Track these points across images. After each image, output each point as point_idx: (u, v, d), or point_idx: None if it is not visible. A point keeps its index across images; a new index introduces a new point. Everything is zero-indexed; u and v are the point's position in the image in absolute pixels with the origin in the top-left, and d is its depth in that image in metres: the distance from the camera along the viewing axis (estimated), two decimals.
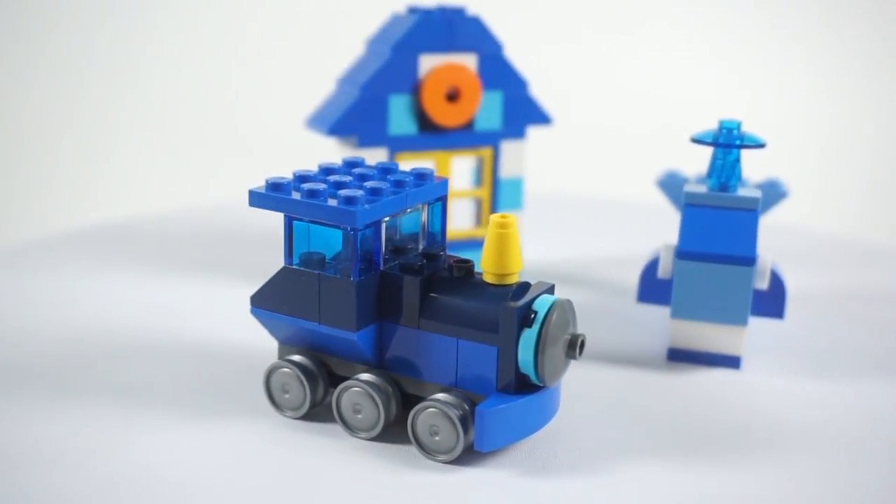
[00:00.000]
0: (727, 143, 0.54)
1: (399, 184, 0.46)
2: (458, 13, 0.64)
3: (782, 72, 1.25)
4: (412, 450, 0.45)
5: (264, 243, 0.73)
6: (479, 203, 0.68)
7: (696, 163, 0.67)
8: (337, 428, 0.47)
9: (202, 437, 0.46)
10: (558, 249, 0.76)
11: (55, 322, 0.59)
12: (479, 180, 0.68)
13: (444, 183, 0.49)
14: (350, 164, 0.49)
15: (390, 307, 0.46)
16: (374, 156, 0.63)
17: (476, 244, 0.66)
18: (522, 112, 0.67)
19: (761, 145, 0.53)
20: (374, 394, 0.45)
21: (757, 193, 0.53)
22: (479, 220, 0.68)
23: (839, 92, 1.22)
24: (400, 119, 0.63)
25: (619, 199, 0.92)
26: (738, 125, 0.54)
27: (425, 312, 0.45)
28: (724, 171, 0.54)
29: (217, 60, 1.28)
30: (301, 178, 0.46)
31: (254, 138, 1.29)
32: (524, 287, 0.44)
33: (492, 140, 0.66)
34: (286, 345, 0.49)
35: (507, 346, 0.43)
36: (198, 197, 1.13)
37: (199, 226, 0.82)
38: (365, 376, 0.46)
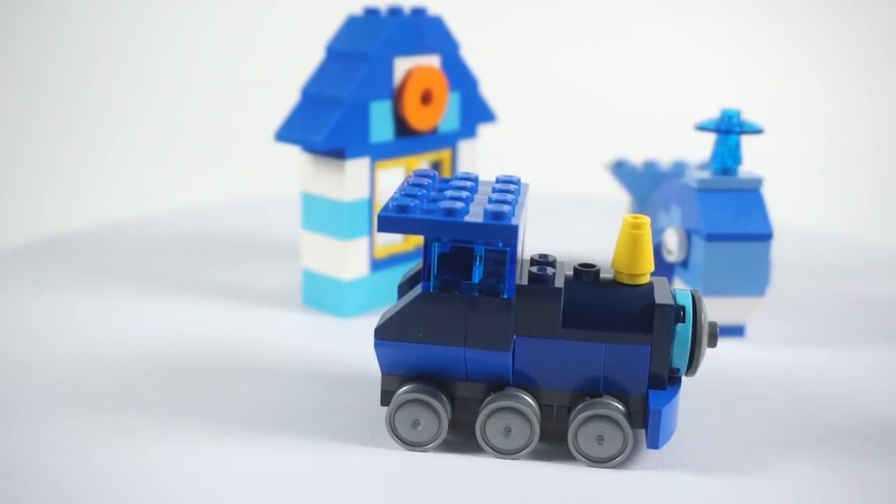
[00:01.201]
0: (728, 129, 0.58)
1: (504, 192, 0.45)
2: (422, 13, 0.62)
3: (776, 69, 1.28)
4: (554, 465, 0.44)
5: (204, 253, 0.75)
6: None
7: (642, 152, 0.71)
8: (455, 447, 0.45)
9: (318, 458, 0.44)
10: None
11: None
12: None
13: (526, 186, 0.48)
14: (421, 176, 0.47)
15: (525, 320, 0.44)
16: (359, 166, 0.59)
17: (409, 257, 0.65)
18: (474, 111, 0.67)
19: (759, 131, 0.58)
20: (527, 412, 0.44)
21: (758, 175, 0.58)
22: None
23: (838, 92, 1.27)
24: (380, 126, 0.60)
25: (560, 193, 0.94)
26: (738, 113, 0.58)
27: (567, 321, 0.44)
28: (726, 155, 0.58)
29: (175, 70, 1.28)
30: (415, 197, 0.43)
31: (201, 147, 1.30)
32: (657, 285, 0.45)
33: (451, 141, 0.65)
34: (398, 374, 0.45)
35: (662, 343, 0.44)
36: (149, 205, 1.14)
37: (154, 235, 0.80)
38: (508, 395, 0.44)
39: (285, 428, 0.47)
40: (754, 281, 0.57)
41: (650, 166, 0.69)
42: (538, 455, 0.45)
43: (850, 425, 0.49)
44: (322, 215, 0.61)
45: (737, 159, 0.58)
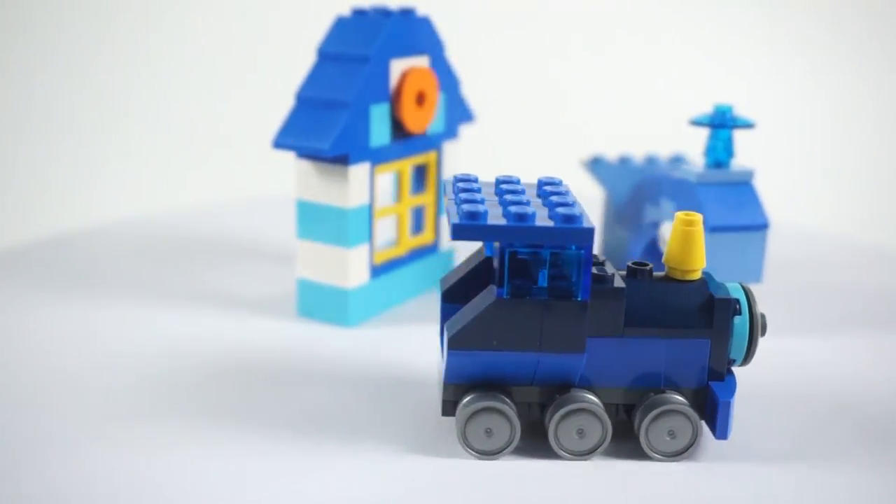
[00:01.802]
0: (721, 124, 0.60)
1: (558, 195, 0.45)
2: (412, 13, 0.61)
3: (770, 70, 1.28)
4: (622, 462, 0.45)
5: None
6: (421, 211, 0.66)
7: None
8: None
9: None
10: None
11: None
12: (421, 187, 0.66)
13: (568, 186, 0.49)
14: (467, 181, 0.46)
15: (591, 321, 0.44)
16: (361, 172, 0.58)
17: (402, 262, 0.64)
18: (457, 111, 0.66)
19: (751, 125, 0.60)
20: (599, 412, 0.44)
21: (750, 168, 0.60)
22: (423, 228, 0.66)
23: (830, 88, 1.27)
24: (378, 130, 0.59)
25: None
26: (731, 109, 0.60)
27: (628, 320, 0.45)
28: (720, 149, 0.60)
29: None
30: (478, 203, 0.43)
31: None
32: (708, 280, 0.46)
33: (437, 142, 0.65)
34: (463, 383, 0.45)
35: (721, 336, 0.45)
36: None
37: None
38: (576, 397, 0.44)
39: (340, 438, 0.46)
40: (752, 269, 0.60)
41: (625, 162, 0.71)
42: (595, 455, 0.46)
43: (852, 403, 0.52)
44: (322, 223, 0.59)
45: (730, 153, 0.60)
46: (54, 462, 0.43)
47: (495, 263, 0.45)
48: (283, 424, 0.47)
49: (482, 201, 0.44)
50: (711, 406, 0.45)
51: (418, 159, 0.63)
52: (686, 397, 0.45)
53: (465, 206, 0.42)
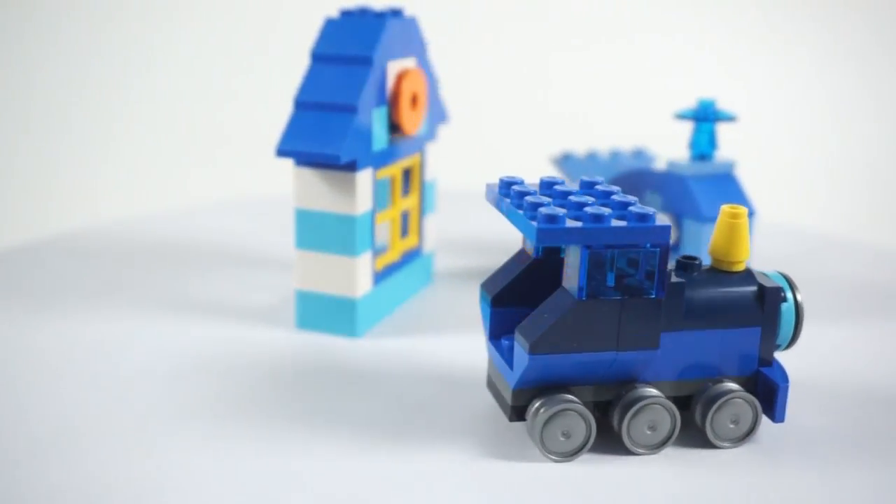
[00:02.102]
0: (704, 117, 0.62)
1: (613, 193, 0.46)
2: (400, 14, 0.60)
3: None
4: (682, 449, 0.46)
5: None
6: (405, 215, 0.65)
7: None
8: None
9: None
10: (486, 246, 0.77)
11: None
12: (406, 190, 0.64)
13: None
14: (520, 184, 0.46)
15: None
16: (367, 177, 0.56)
17: (396, 267, 0.63)
18: (436, 112, 0.65)
19: (733, 119, 0.62)
20: (669, 405, 0.45)
21: (731, 159, 0.63)
22: (407, 231, 0.65)
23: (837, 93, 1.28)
24: (378, 133, 0.57)
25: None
26: (714, 103, 0.62)
27: (687, 313, 0.46)
28: (704, 142, 0.62)
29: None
30: (546, 205, 0.43)
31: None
32: (751, 270, 0.48)
33: (421, 144, 0.64)
34: (532, 387, 0.45)
35: (771, 323, 0.47)
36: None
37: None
38: (645, 393, 0.45)
39: (409, 445, 0.45)
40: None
41: (593, 157, 0.72)
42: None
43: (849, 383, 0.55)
44: (326, 232, 0.57)
45: (713, 145, 0.62)
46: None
47: (567, 264, 0.45)
48: (342, 435, 0.46)
49: (550, 204, 0.43)
50: (767, 391, 0.47)
51: (407, 162, 0.62)
52: (740, 384, 0.47)
53: (544, 210, 0.42)
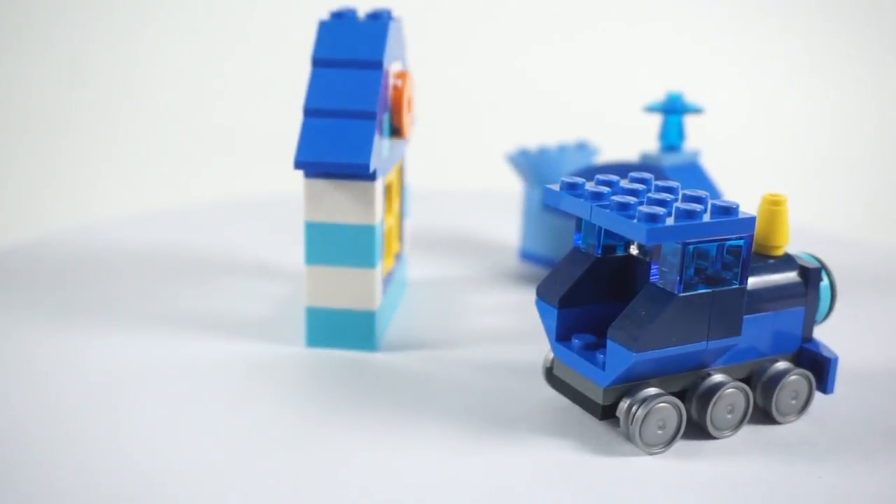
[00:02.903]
0: (673, 109, 0.65)
1: (676, 188, 0.47)
2: (388, 14, 0.58)
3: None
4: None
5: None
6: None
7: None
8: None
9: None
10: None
11: None
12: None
13: None
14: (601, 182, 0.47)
15: None
16: (381, 185, 0.54)
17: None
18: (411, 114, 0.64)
19: (700, 111, 0.65)
20: (745, 388, 0.47)
21: (696, 149, 0.66)
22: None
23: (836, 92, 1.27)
24: (385, 139, 0.55)
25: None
26: (681, 96, 0.65)
27: (750, 298, 0.48)
28: (673, 133, 0.65)
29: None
30: (652, 204, 0.44)
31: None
32: (789, 254, 0.51)
33: (403, 148, 0.62)
34: (627, 382, 0.45)
35: (813, 302, 0.50)
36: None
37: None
38: (719, 378, 0.47)
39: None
40: None
41: (543, 153, 0.73)
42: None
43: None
44: (340, 245, 0.54)
45: (681, 136, 0.65)
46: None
47: (660, 260, 0.45)
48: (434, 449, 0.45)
49: (639, 203, 0.44)
50: (815, 366, 0.50)
51: (398, 166, 0.61)
52: (787, 362, 0.50)
53: (644, 209, 0.42)
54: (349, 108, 0.53)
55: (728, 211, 0.44)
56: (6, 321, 0.59)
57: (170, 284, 0.66)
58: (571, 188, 0.47)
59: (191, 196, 1.24)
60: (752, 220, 0.44)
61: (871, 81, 1.34)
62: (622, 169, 0.66)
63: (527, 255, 0.73)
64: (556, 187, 0.48)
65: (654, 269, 0.45)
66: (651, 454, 0.45)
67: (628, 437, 0.45)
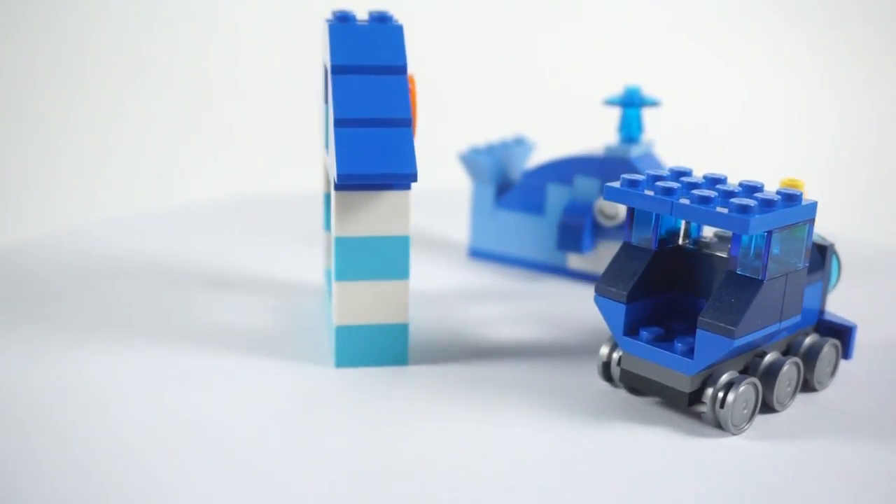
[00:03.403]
0: (631, 103, 0.67)
1: (722, 180, 0.49)
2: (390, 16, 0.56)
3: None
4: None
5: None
6: None
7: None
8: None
9: None
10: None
11: None
12: None
13: None
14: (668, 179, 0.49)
15: None
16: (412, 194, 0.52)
17: None
18: None
19: (656, 104, 0.68)
20: (799, 361, 0.50)
21: (650, 140, 0.69)
22: None
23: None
24: None
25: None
26: (639, 89, 0.67)
27: None
28: (633, 126, 0.67)
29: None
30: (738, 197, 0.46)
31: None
32: None
33: None
34: (709, 368, 0.47)
35: (826, 276, 0.54)
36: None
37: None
38: (777, 355, 0.50)
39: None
40: None
41: (490, 150, 0.73)
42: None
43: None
44: (374, 259, 0.52)
45: (640, 128, 0.68)
46: None
47: (742, 249, 0.47)
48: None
49: (719, 197, 0.46)
50: (836, 334, 0.54)
51: None
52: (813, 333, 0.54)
53: (737, 201, 0.45)
54: (383, 117, 0.51)
55: (793, 198, 0.47)
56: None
57: (164, 295, 0.63)
58: (634, 185, 0.49)
59: (177, 197, 1.23)
60: (814, 205, 0.48)
61: (865, 76, 1.38)
62: (590, 162, 0.68)
63: (476, 253, 0.74)
64: (616, 185, 0.49)
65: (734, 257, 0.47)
66: (738, 434, 0.48)
67: (717, 422, 0.47)
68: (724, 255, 0.50)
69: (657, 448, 0.46)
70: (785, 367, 0.49)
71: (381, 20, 0.54)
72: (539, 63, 1.34)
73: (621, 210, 0.67)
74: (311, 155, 0.93)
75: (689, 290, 0.51)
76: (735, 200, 0.45)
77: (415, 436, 0.47)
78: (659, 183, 0.48)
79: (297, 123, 1.21)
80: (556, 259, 0.70)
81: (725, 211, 0.45)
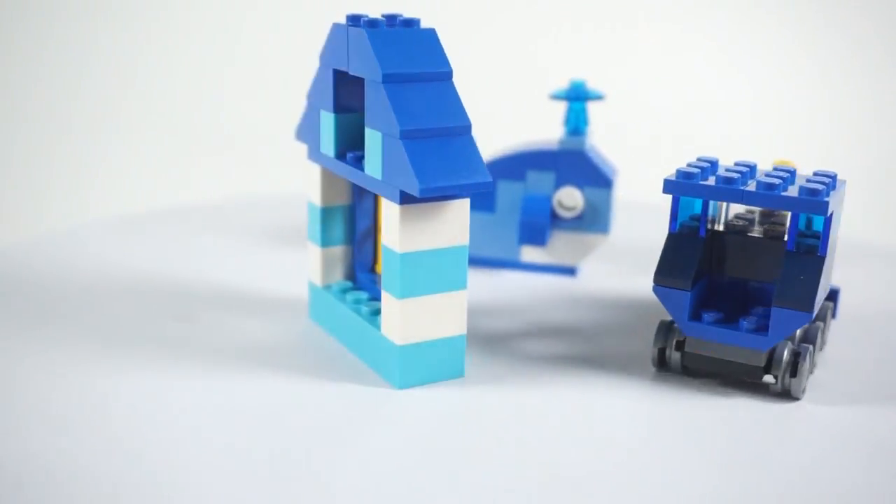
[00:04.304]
0: (577, 97, 0.69)
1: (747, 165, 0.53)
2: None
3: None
4: None
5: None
6: None
7: None
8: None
9: None
10: None
11: None
12: None
13: None
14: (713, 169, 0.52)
15: None
16: None
17: None
18: None
19: (601, 98, 0.70)
20: (821, 325, 0.55)
21: (590, 132, 0.71)
22: None
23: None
24: None
25: None
26: (584, 83, 0.69)
27: None
28: (580, 120, 0.69)
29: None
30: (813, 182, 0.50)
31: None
32: None
33: None
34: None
35: None
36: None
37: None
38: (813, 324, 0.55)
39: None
40: (602, 219, 0.71)
41: None
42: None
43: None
44: (437, 271, 0.50)
45: (586, 122, 0.70)
46: None
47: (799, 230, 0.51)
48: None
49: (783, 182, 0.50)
50: (828, 297, 0.60)
51: None
52: None
53: (808, 184, 0.48)
54: (444, 125, 0.49)
55: (834, 179, 0.52)
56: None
57: (176, 305, 0.60)
58: (690, 177, 0.51)
59: (175, 198, 1.21)
60: (845, 182, 0.53)
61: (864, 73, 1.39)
62: (543, 156, 0.69)
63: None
64: (672, 177, 0.51)
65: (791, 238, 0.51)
66: (802, 398, 0.52)
67: (789, 389, 0.51)
68: (757, 235, 0.54)
69: (747, 421, 0.49)
70: (819, 332, 0.55)
71: (408, 23, 0.52)
72: (477, 60, 1.34)
73: (579, 202, 0.70)
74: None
75: (725, 271, 0.55)
76: (806, 185, 0.49)
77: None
78: (721, 173, 0.51)
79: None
80: (511, 254, 0.71)
81: (796, 195, 0.49)
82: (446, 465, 0.44)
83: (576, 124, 0.71)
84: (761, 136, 1.33)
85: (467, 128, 0.50)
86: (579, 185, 0.69)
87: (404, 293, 0.50)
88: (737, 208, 0.60)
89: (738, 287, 0.55)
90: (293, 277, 0.68)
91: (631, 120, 1.29)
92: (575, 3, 1.38)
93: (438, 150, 0.49)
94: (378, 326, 0.53)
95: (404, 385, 0.52)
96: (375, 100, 0.50)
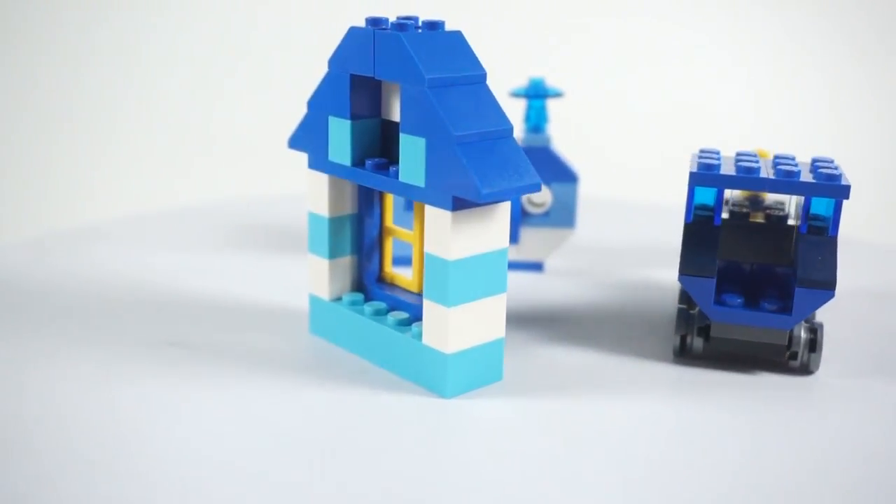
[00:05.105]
0: (536, 94, 0.70)
1: (756, 157, 0.56)
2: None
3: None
4: None
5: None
6: None
7: None
8: None
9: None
10: None
11: None
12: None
13: None
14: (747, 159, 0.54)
15: None
16: None
17: None
18: None
19: (560, 94, 0.71)
20: None
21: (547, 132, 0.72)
22: None
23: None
24: None
25: None
26: (543, 80, 0.70)
27: None
28: (541, 117, 0.70)
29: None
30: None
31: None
32: None
33: None
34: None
35: None
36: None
37: None
38: None
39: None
40: (567, 215, 0.72)
41: None
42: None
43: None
44: (482, 277, 0.50)
45: (545, 119, 0.71)
46: None
47: (812, 213, 0.54)
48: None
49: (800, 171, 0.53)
50: None
51: None
52: None
53: (825, 171, 0.51)
54: (490, 129, 0.48)
55: (831, 178, 0.55)
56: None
57: (159, 310, 0.58)
58: (711, 169, 0.53)
59: (174, 199, 1.23)
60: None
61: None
62: None
63: (398, 261, 0.71)
64: (695, 170, 0.53)
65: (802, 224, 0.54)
66: (817, 371, 0.55)
67: (807, 364, 0.54)
68: (761, 221, 0.57)
69: (772, 399, 0.52)
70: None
71: (432, 26, 0.51)
72: None
73: (548, 198, 0.71)
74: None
75: (734, 256, 0.57)
76: (824, 171, 0.52)
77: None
78: (742, 163, 0.53)
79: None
80: None
81: (813, 180, 0.52)
82: (531, 472, 0.44)
83: (536, 121, 0.71)
84: (722, 131, 1.32)
85: (510, 130, 0.49)
86: (546, 180, 0.70)
87: (454, 301, 0.49)
88: (730, 198, 0.63)
89: (746, 270, 0.57)
90: (288, 289, 0.66)
91: (586, 116, 1.28)
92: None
93: (489, 154, 0.48)
94: (415, 336, 0.52)
95: (454, 394, 0.51)
96: (417, 105, 0.49)
